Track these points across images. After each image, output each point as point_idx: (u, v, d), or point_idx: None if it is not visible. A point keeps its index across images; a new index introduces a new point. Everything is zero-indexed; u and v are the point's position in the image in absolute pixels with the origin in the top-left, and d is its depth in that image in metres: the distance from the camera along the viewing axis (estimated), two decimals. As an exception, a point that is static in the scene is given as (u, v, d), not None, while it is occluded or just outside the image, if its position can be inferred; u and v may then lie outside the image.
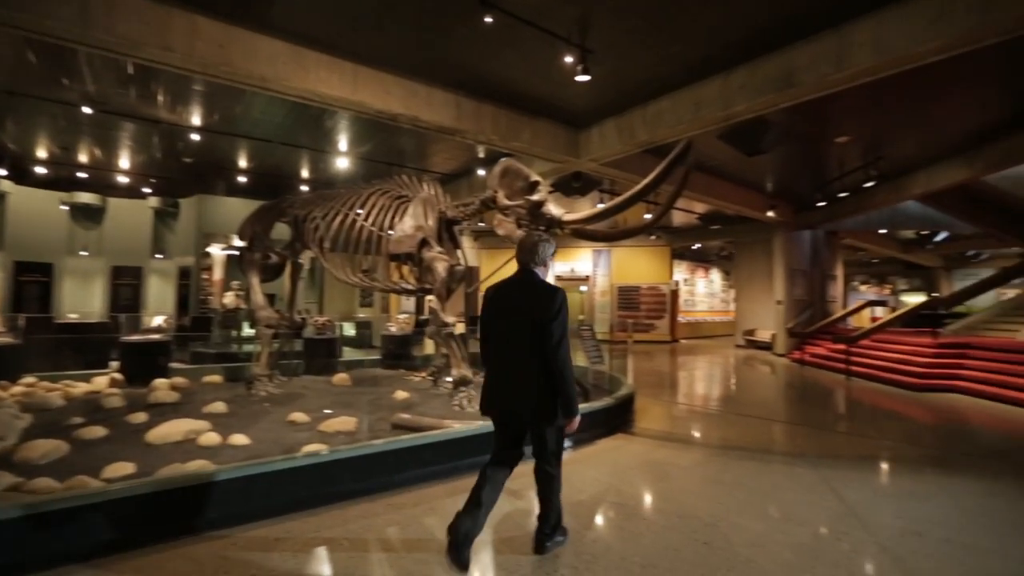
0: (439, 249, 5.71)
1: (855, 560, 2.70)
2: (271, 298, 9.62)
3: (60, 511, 2.54)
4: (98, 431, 4.28)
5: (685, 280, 20.08)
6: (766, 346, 14.21)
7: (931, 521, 3.19)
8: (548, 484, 2.74)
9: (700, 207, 13.45)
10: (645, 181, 4.42)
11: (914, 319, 10.94)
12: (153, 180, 12.39)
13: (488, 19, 4.82)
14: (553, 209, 4.91)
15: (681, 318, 18.60)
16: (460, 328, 5.83)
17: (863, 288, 25.94)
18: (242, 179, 11.93)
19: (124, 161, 11.03)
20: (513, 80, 6.68)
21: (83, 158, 10.91)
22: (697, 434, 5.50)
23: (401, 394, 6.13)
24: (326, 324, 9.16)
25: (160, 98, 7.56)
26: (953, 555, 2.76)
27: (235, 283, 12.84)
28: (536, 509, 2.84)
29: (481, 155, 9.93)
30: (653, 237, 16.73)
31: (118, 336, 7.62)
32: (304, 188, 12.35)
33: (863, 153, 9.37)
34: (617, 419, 5.27)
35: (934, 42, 4.52)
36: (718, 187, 10.90)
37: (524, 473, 3.97)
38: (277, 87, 5.67)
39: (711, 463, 4.41)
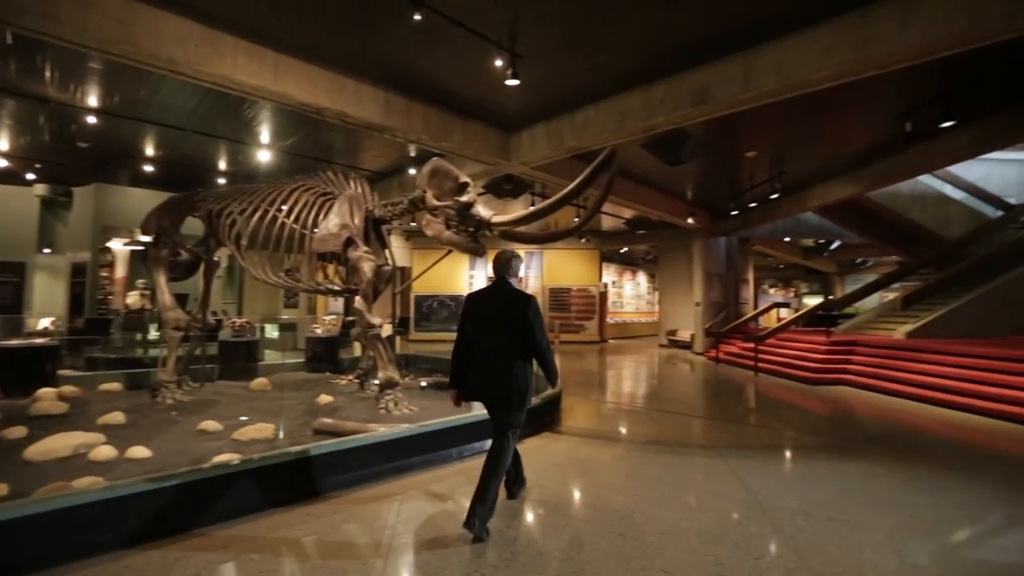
0: (365, 249, 5.57)
1: (752, 541, 2.93)
2: (184, 298, 8.92)
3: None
4: (-40, 450, 3.79)
5: (613, 282, 20.86)
6: (686, 345, 15.08)
7: (819, 502, 3.54)
8: (497, 458, 3.07)
9: (627, 212, 14.03)
10: (571, 186, 4.55)
11: (812, 319, 12.06)
12: (39, 165, 11.06)
13: (417, 17, 4.77)
14: (482, 211, 4.94)
15: (609, 319, 19.30)
16: (387, 330, 5.72)
17: (771, 291, 28.20)
18: (149, 168, 10.97)
19: (1, 142, 9.78)
20: (444, 80, 6.64)
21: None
22: (620, 431, 5.74)
23: (325, 398, 5.91)
24: (244, 326, 8.64)
25: (48, 74, 6.78)
26: (835, 531, 3.08)
27: (140, 282, 11.78)
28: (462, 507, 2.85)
29: (413, 154, 9.79)
30: (583, 240, 17.24)
31: (-7, 340, 6.75)
32: (221, 181, 11.57)
33: (769, 167, 10.21)
34: (544, 418, 5.39)
35: (825, 70, 5.02)
36: (643, 194, 11.44)
37: (448, 476, 3.98)
38: (188, 71, 5.27)
39: (631, 458, 4.62)
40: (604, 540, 2.92)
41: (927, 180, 12.44)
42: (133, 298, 11.00)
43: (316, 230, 5.68)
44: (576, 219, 12.12)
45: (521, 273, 3.44)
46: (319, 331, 10.11)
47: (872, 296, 13.96)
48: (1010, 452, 4.99)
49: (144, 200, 10.58)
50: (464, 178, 5.07)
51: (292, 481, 3.41)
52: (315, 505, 3.34)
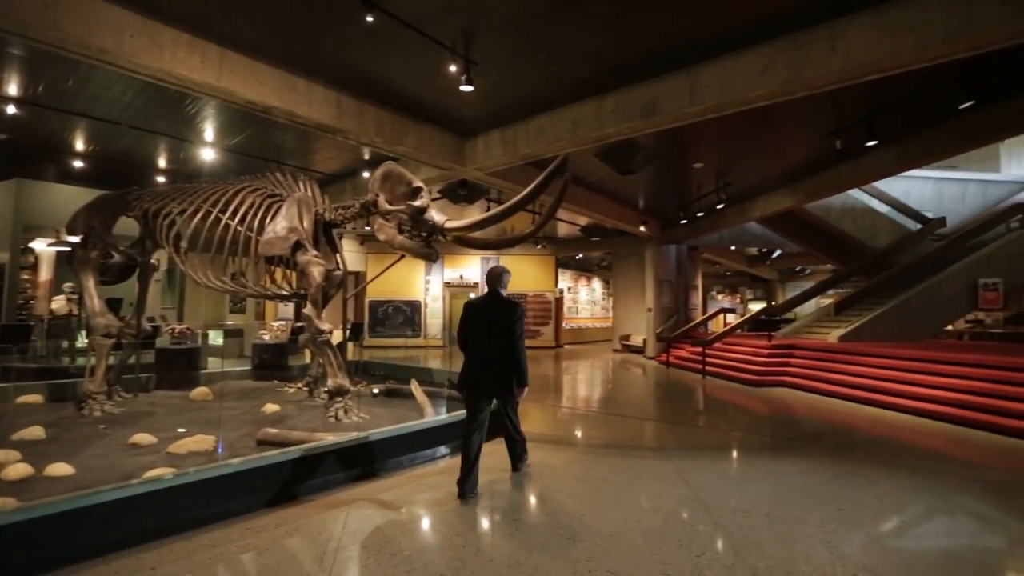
0: (315, 253, 5.42)
1: (695, 539, 3.04)
2: (118, 303, 8.36)
3: None
4: None
5: (569, 288, 21.17)
6: (639, 350, 15.48)
7: (757, 499, 3.71)
8: (514, 442, 4.21)
9: (582, 220, 14.30)
10: (524, 192, 4.60)
11: (755, 324, 12.66)
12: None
13: (369, 18, 4.71)
14: (435, 216, 4.91)
15: (565, 325, 19.56)
16: (337, 336, 5.58)
17: (719, 297, 29.39)
18: (78, 163, 10.25)
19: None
20: (399, 83, 6.58)
21: None
22: (572, 435, 5.81)
23: (271, 407, 5.69)
24: (184, 332, 8.21)
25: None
26: (770, 526, 3.24)
27: (67, 286, 10.95)
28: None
29: (366, 157, 9.62)
30: (539, 247, 17.42)
31: None
32: (161, 179, 10.96)
33: (715, 179, 10.68)
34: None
35: (763, 89, 5.32)
36: (596, 202, 11.69)
37: (399, 484, 3.91)
38: (123, 63, 4.98)
39: (582, 461, 4.69)
40: (553, 544, 2.95)
41: (856, 194, 13.35)
42: (59, 303, 10.21)
43: (264, 233, 5.47)
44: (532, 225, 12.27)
45: (507, 284, 4.07)
46: (267, 337, 9.74)
47: (810, 302, 14.83)
48: (928, 446, 5.39)
49: (73, 197, 9.84)
50: (417, 182, 5.03)
51: (232, 495, 3.26)
52: (256, 519, 3.20)
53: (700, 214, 12.54)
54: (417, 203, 4.90)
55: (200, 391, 6.49)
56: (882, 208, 13.91)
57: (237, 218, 5.59)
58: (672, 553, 2.85)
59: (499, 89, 6.62)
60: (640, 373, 11.67)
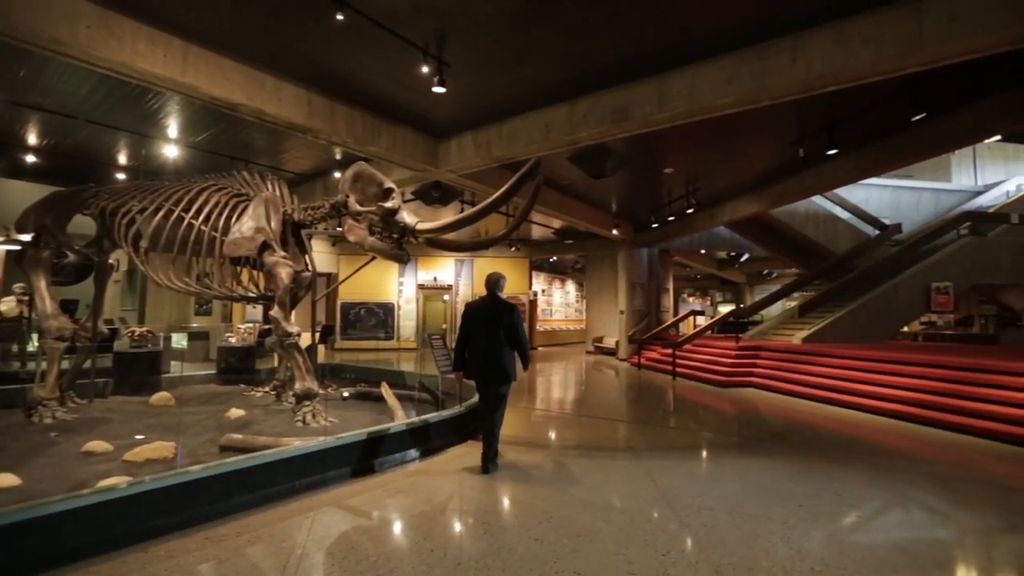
0: (282, 254, 5.31)
1: (660, 538, 3.09)
2: (73, 304, 8.01)
3: None
4: None
5: (543, 291, 21.27)
6: (611, 352, 15.66)
7: (721, 497, 3.79)
8: (497, 422, 4.46)
9: (556, 223, 14.40)
10: (496, 195, 4.62)
11: (724, 326, 12.96)
12: None
13: (340, 17, 4.65)
14: (407, 217, 4.88)
15: (539, 327, 19.64)
16: (306, 339, 5.47)
17: (690, 299, 29.96)
18: (31, 159, 9.80)
19: None
20: (371, 83, 6.50)
21: None
22: (543, 436, 5.84)
23: (236, 412, 5.55)
24: (144, 335, 7.92)
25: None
26: (732, 523, 3.32)
27: (18, 286, 10.43)
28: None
29: (338, 157, 9.47)
30: (513, 249, 17.46)
31: None
32: (121, 176, 10.56)
33: (685, 184, 10.91)
34: (468, 426, 5.37)
35: (729, 97, 5.46)
36: (570, 205, 11.79)
37: (367, 489, 3.86)
38: (78, 55, 4.78)
39: (552, 463, 4.71)
40: (521, 546, 2.95)
41: (819, 201, 13.83)
42: (8, 304, 9.70)
43: (229, 233, 5.33)
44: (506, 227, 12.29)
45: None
46: (233, 340, 9.48)
47: (776, 304, 15.27)
48: (884, 443, 5.61)
49: (25, 194, 9.38)
50: (389, 183, 4.98)
51: (191, 503, 3.16)
52: (217, 528, 3.11)
53: (671, 218, 12.77)
54: (388, 204, 4.85)
55: (161, 396, 6.28)
56: (843, 214, 14.44)
57: (201, 217, 5.43)
58: (638, 552, 2.89)
59: (472, 91, 6.62)
60: (612, 375, 11.81)
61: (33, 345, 9.18)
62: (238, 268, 5.80)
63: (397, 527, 3.30)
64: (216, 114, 7.08)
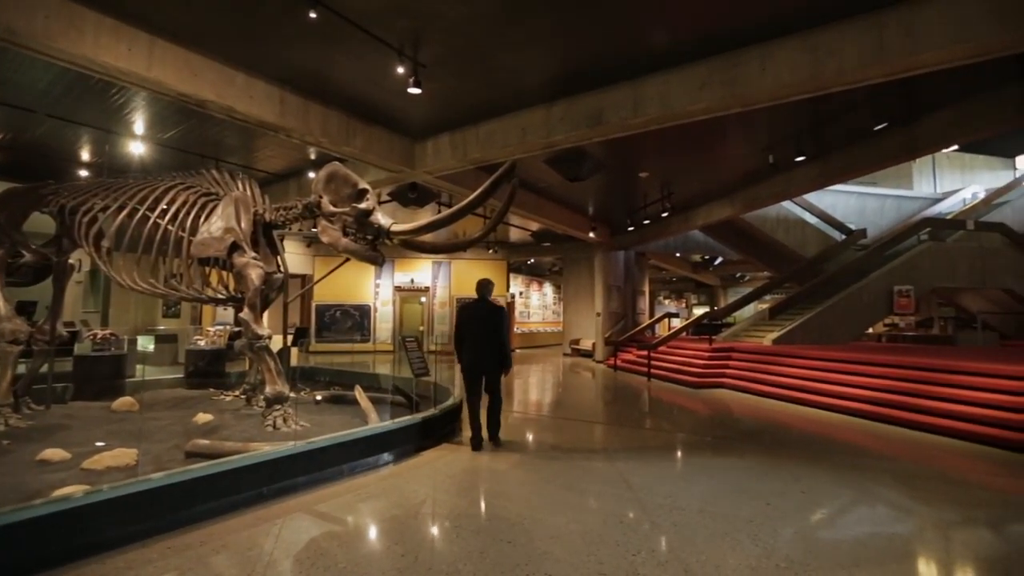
0: (253, 255, 5.20)
1: (631, 538, 3.12)
2: (32, 306, 7.68)
3: None
4: None
5: (521, 293, 21.31)
6: (588, 354, 15.78)
7: (691, 497, 3.85)
8: (497, 405, 5.27)
9: (534, 225, 14.44)
10: (471, 197, 4.61)
11: (698, 328, 13.19)
12: None
13: (312, 15, 4.58)
14: (381, 219, 4.84)
15: (517, 329, 19.65)
16: (277, 342, 5.37)
17: (666, 302, 30.41)
18: (-13, 155, 9.38)
19: None
20: (346, 83, 6.42)
21: None
22: (518, 439, 5.83)
23: (204, 417, 5.40)
24: (107, 337, 7.66)
25: None
26: (701, 522, 3.37)
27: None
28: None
29: (312, 157, 9.32)
30: (491, 251, 17.45)
31: None
32: (84, 173, 10.19)
33: (660, 188, 11.07)
34: (442, 429, 5.34)
35: (701, 103, 5.57)
36: (547, 207, 11.85)
37: (338, 494, 3.80)
38: (36, 46, 4.59)
39: (526, 465, 4.72)
40: (493, 549, 2.95)
41: (789, 206, 14.21)
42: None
43: (198, 233, 5.20)
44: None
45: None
46: (202, 343, 9.24)
47: (749, 306, 15.60)
48: (850, 442, 5.78)
49: (-21, 191, 9.00)
50: (363, 184, 4.93)
51: (152, 512, 3.06)
52: (180, 537, 3.02)
53: (647, 221, 12.95)
54: (362, 205, 4.80)
55: (124, 401, 6.07)
56: (811, 219, 14.86)
57: (168, 217, 5.29)
58: (609, 553, 2.91)
59: (448, 93, 6.60)
60: (589, 376, 11.89)
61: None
62: (207, 269, 5.67)
63: (368, 532, 3.26)
64: (185, 111, 6.89)
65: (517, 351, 18.36)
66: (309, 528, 3.23)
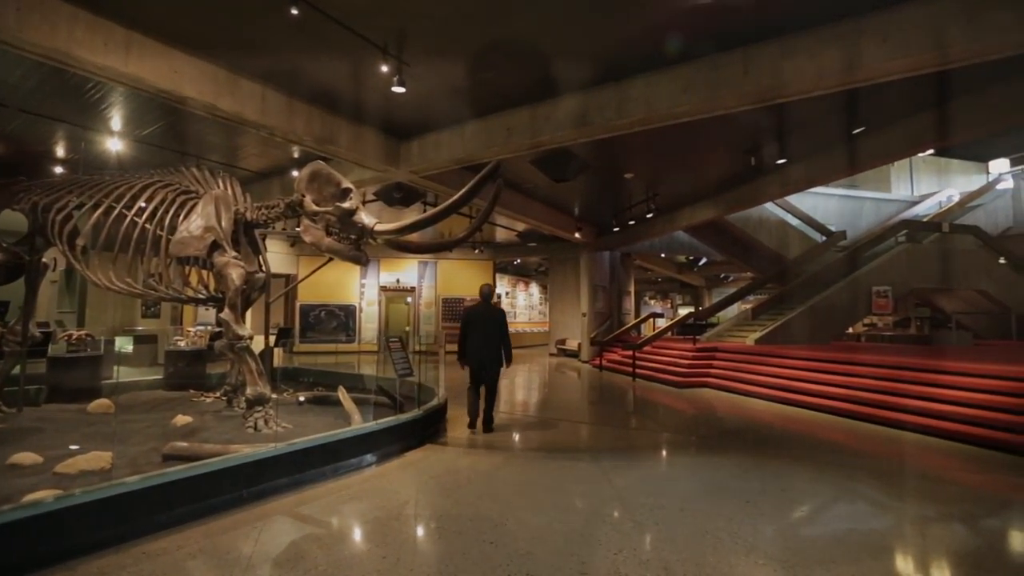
0: (234, 254, 5.12)
1: (613, 537, 3.14)
2: (4, 306, 7.48)
3: None
4: None
5: (507, 293, 21.30)
6: (574, 354, 15.83)
7: (673, 495, 3.89)
8: (493, 396, 5.98)
9: (520, 225, 14.45)
10: (456, 196, 4.60)
11: (683, 328, 13.31)
12: None
13: (294, 11, 4.53)
14: (365, 218, 4.80)
15: (503, 329, 19.60)
16: (259, 343, 5.29)
17: (651, 302, 30.66)
18: (-43, 150, 9.10)
19: None
20: (329, 81, 6.36)
21: None
22: (503, 439, 5.83)
23: (183, 419, 5.30)
24: (83, 338, 7.48)
25: None
26: (682, 519, 3.40)
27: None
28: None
29: (296, 155, 9.20)
30: (477, 251, 17.43)
31: None
32: (59, 170, 9.94)
33: (645, 189, 11.16)
34: (426, 430, 5.31)
35: (685, 105, 5.63)
36: (533, 208, 11.86)
37: (319, 496, 3.76)
38: (8, 39, 4.46)
39: (510, 466, 4.72)
40: (475, 550, 2.94)
41: (771, 208, 14.41)
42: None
43: (176, 232, 5.11)
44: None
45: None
46: (182, 343, 9.09)
47: (732, 307, 15.79)
48: (829, 440, 5.88)
49: (-51, 188, 8.72)
50: (347, 183, 4.89)
51: (128, 516, 2.99)
52: (156, 542, 2.96)
53: (632, 222, 13.04)
54: (346, 205, 4.76)
55: (100, 403, 5.94)
56: (793, 221, 15.10)
57: (146, 215, 5.19)
58: (591, 552, 2.93)
59: (433, 92, 6.57)
60: (575, 376, 11.93)
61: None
62: (186, 269, 5.57)
63: (350, 534, 3.23)
64: (165, 107, 6.77)
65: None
66: (290, 531, 3.19)
